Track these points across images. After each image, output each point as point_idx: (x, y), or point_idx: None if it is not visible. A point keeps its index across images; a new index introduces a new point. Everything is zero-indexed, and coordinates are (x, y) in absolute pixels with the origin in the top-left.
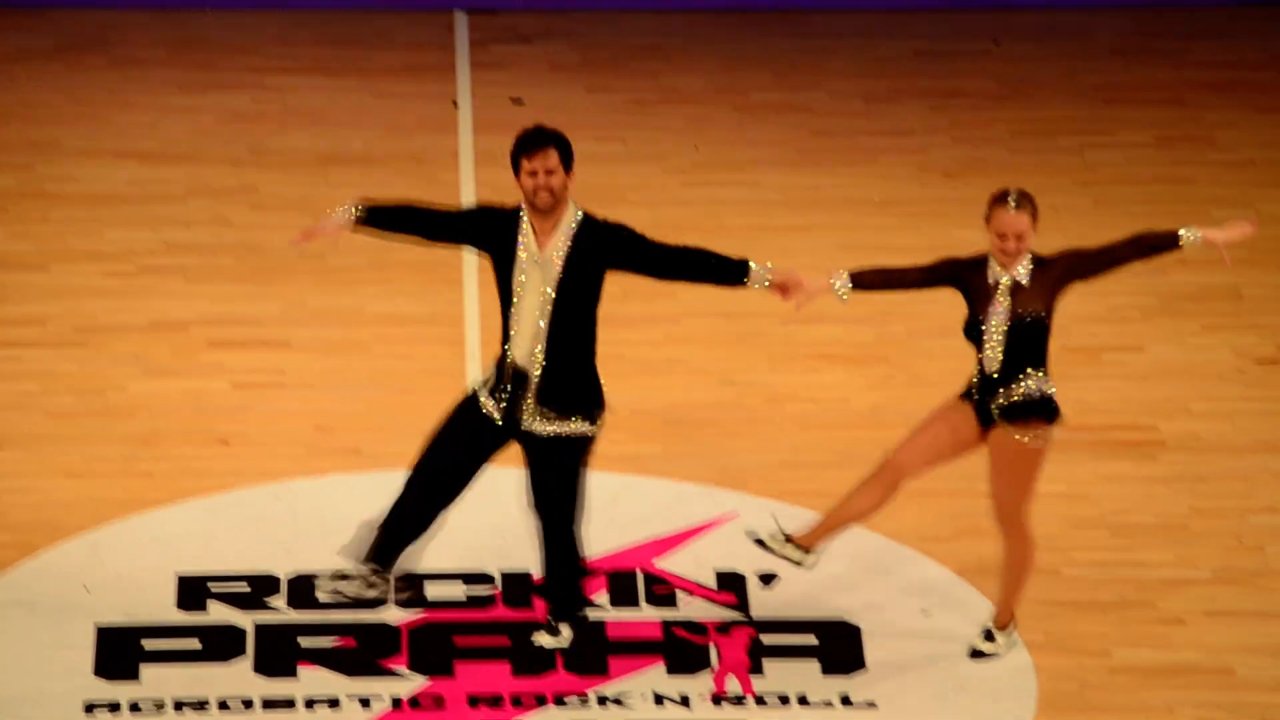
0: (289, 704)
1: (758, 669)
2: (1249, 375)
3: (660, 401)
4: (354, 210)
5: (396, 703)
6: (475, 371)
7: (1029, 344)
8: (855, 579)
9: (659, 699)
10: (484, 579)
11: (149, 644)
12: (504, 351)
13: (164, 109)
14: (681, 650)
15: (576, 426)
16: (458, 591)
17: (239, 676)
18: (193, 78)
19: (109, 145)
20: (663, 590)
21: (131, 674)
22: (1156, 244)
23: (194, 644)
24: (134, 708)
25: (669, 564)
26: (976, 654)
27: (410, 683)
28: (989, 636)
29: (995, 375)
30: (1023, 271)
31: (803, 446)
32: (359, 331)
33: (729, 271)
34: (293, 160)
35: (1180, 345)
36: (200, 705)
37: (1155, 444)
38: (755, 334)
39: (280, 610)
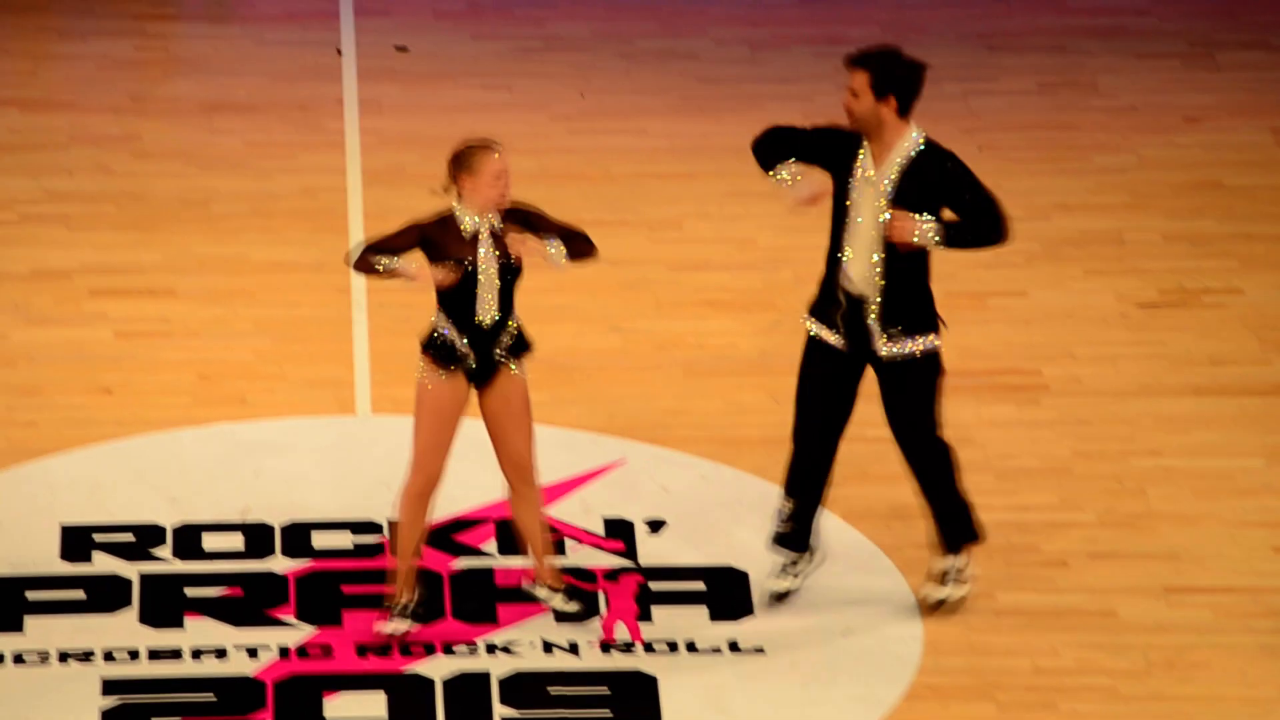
0: (175, 654)
1: (646, 616)
2: (1131, 319)
3: (547, 348)
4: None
5: (284, 652)
6: (362, 320)
7: None
8: (743, 525)
9: (548, 647)
10: (371, 528)
11: (33, 595)
12: (833, 275)
13: (44, 56)
14: (571, 598)
15: (923, 344)
16: (345, 541)
17: (125, 627)
18: (73, 25)
19: None
20: (551, 538)
21: (15, 625)
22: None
23: (79, 595)
24: (18, 659)
25: (557, 511)
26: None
27: (298, 632)
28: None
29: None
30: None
31: (690, 393)
32: (244, 279)
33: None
34: (176, 108)
35: (1063, 290)
36: (85, 656)
37: (1039, 388)
38: (642, 281)
39: (166, 560)
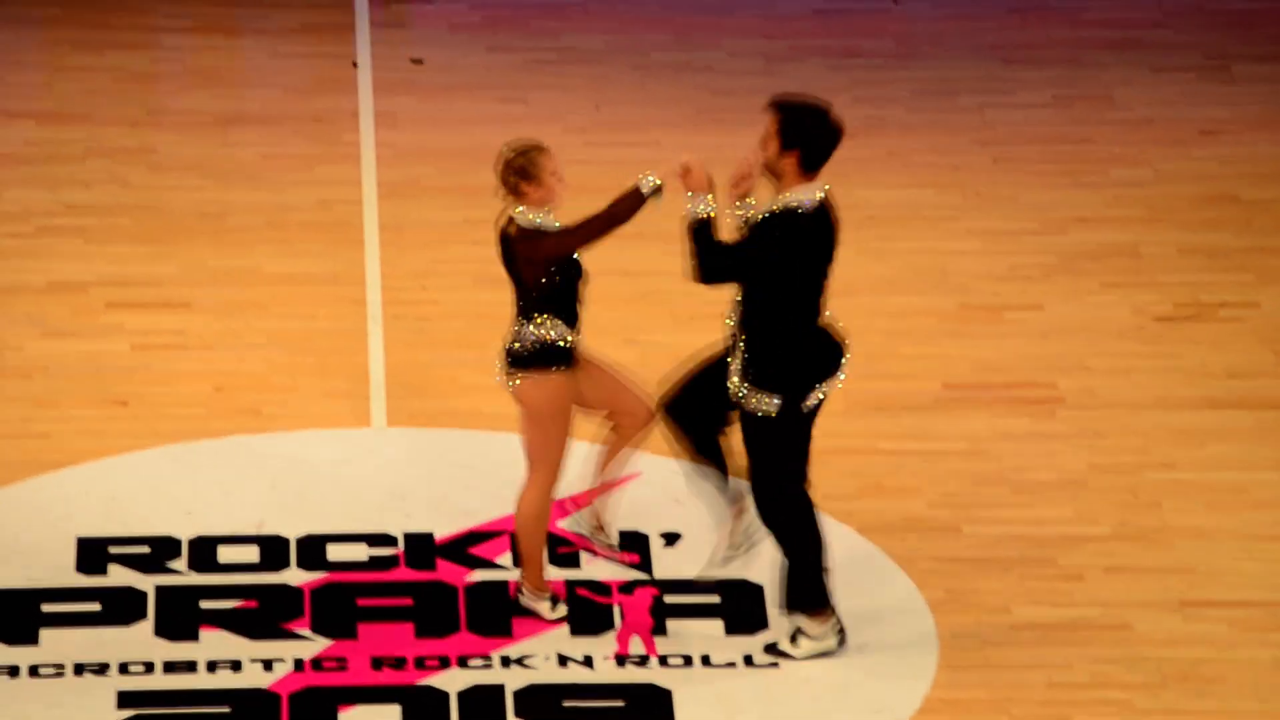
0: (190, 667)
1: (661, 629)
2: (1147, 332)
3: None
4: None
5: (299, 665)
6: (377, 332)
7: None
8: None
9: (563, 660)
10: (387, 540)
11: (48, 607)
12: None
13: (60, 68)
14: (585, 611)
15: (763, 405)
16: (360, 553)
17: (140, 639)
18: (88, 37)
19: (3, 105)
20: (566, 550)
21: (31, 638)
22: (624, 203)
23: (94, 607)
24: (34, 671)
25: (572, 524)
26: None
27: (313, 645)
28: (555, 602)
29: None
30: None
31: None
32: (258, 292)
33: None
34: (191, 121)
35: (1080, 303)
36: (101, 669)
37: (1054, 401)
38: (656, 292)
39: (181, 573)
